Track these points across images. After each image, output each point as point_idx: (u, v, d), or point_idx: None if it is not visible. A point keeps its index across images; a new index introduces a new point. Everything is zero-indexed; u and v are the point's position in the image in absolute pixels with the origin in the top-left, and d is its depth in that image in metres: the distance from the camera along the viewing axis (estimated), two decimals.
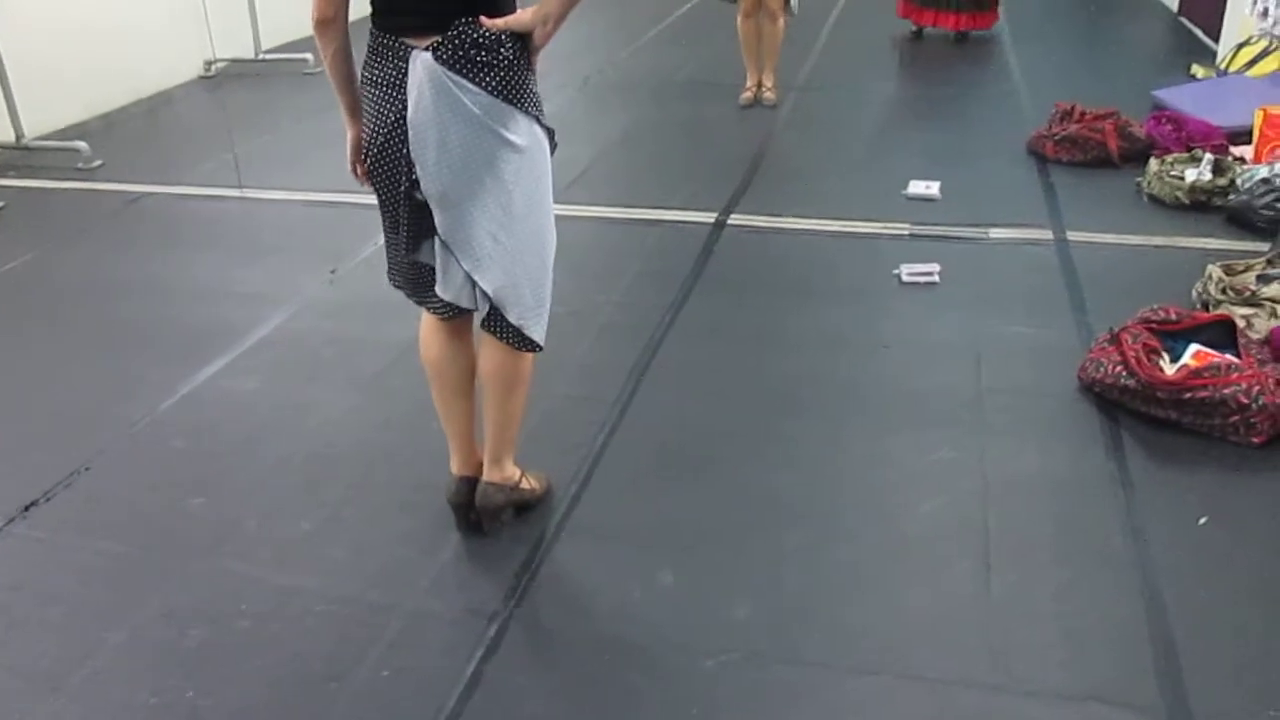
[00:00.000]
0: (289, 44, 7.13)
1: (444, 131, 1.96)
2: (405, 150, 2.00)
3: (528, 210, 2.09)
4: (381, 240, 2.27)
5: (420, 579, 2.28)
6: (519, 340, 2.18)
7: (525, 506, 2.44)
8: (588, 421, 2.81)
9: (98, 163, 5.09)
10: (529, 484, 2.43)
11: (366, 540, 2.41)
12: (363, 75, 2.06)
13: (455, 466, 2.38)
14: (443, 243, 2.07)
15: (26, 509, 2.54)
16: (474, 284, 2.10)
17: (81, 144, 5.14)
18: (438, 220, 2.05)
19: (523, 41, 1.99)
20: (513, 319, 2.14)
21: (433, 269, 2.14)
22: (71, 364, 3.23)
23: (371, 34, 2.02)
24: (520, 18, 1.96)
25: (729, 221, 4.14)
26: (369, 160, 2.09)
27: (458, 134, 1.96)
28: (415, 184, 2.03)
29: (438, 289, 2.14)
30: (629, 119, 5.66)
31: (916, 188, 4.34)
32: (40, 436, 2.85)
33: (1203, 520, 2.37)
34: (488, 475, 2.34)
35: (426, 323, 2.30)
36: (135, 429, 2.86)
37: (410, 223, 2.10)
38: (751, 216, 4.19)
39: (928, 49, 6.97)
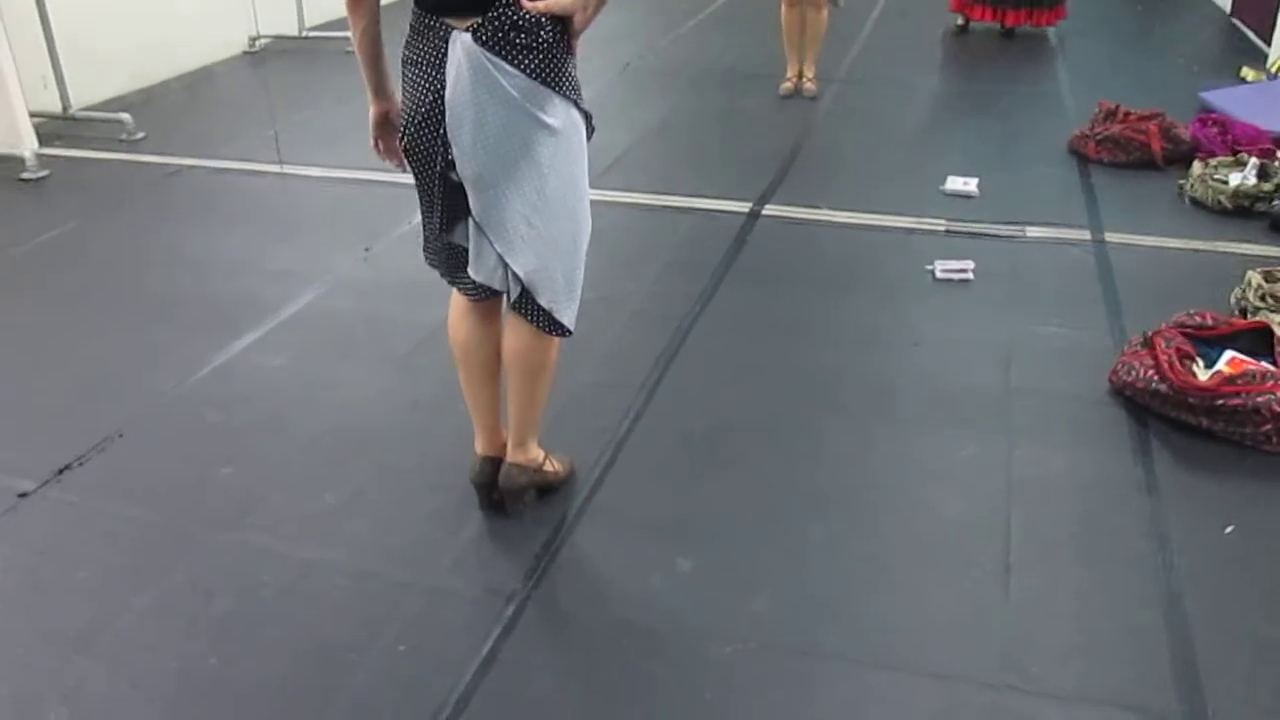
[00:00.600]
0: (332, 22, 7.18)
1: (481, 113, 1.97)
2: (442, 130, 2.01)
3: (562, 194, 2.09)
4: (416, 220, 2.29)
5: (442, 557, 2.30)
6: (549, 324, 2.19)
7: (548, 489, 2.46)
8: (613, 407, 2.82)
9: (141, 135, 5.16)
10: (552, 467, 2.44)
11: (390, 518, 2.43)
12: (403, 54, 2.07)
13: (480, 447, 2.40)
14: (476, 224, 2.08)
15: (60, 473, 2.59)
16: (506, 266, 2.11)
17: (125, 116, 5.21)
18: (472, 202, 2.06)
19: (563, 25, 1.98)
20: (543, 303, 2.15)
21: (466, 250, 2.15)
22: (107, 332, 3.29)
23: (413, 13, 2.02)
24: (561, 1, 1.95)
25: (764, 212, 4.13)
26: (405, 139, 2.10)
27: (494, 116, 1.97)
28: (451, 164, 2.04)
29: (469, 270, 2.15)
30: (667, 106, 5.65)
31: (954, 184, 4.31)
32: (75, 402, 2.90)
33: (1229, 529, 2.35)
34: (511, 457, 2.36)
35: (456, 304, 2.31)
36: (167, 399, 2.91)
37: (445, 204, 2.11)
38: (786, 208, 4.17)
39: (973, 44, 6.89)
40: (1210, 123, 4.57)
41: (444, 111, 1.99)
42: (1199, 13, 7.71)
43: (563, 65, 2.01)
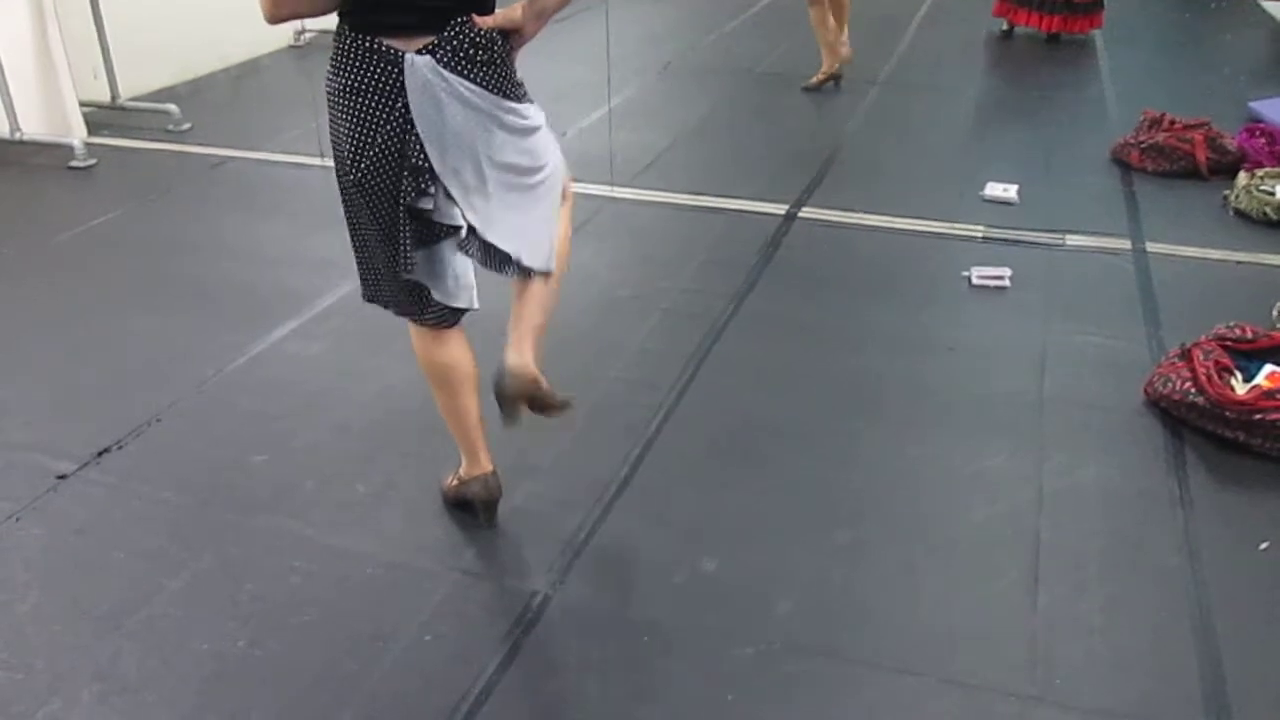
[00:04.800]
0: None
1: (455, 128, 1.92)
2: (413, 158, 1.93)
3: (537, 180, 2.09)
4: None
5: (467, 549, 2.32)
6: (540, 274, 2.16)
7: (542, 405, 2.18)
8: (644, 405, 2.83)
9: (187, 125, 5.23)
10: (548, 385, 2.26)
11: (418, 508, 2.46)
12: (335, 83, 1.94)
13: (480, 466, 2.34)
14: (470, 229, 2.02)
15: (99, 455, 2.64)
16: (494, 252, 2.07)
17: (172, 107, 5.29)
18: (470, 215, 2.00)
19: (507, 37, 1.99)
20: (527, 262, 2.11)
21: (424, 286, 2.09)
22: (148, 319, 3.34)
23: (346, 37, 1.91)
24: (511, 15, 1.96)
25: (800, 214, 4.12)
26: (355, 173, 1.98)
27: (467, 129, 1.94)
28: (422, 190, 1.96)
29: (443, 297, 2.09)
30: (707, 106, 5.64)
31: (994, 190, 4.27)
32: (116, 387, 2.95)
33: (1264, 545, 2.31)
34: (509, 360, 2.16)
35: (423, 333, 2.23)
36: (205, 386, 2.95)
37: (410, 233, 2.00)
38: (823, 210, 4.16)
39: (1017, 49, 6.83)
40: (1258, 133, 4.50)
41: (411, 138, 1.92)
42: (1250, 22, 7.58)
43: (514, 75, 2.02)
